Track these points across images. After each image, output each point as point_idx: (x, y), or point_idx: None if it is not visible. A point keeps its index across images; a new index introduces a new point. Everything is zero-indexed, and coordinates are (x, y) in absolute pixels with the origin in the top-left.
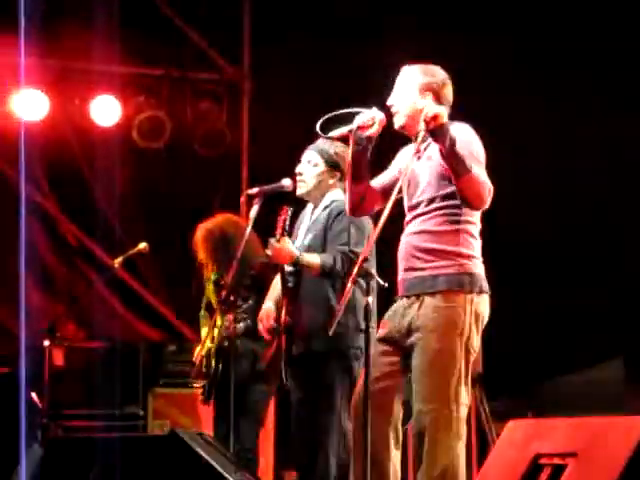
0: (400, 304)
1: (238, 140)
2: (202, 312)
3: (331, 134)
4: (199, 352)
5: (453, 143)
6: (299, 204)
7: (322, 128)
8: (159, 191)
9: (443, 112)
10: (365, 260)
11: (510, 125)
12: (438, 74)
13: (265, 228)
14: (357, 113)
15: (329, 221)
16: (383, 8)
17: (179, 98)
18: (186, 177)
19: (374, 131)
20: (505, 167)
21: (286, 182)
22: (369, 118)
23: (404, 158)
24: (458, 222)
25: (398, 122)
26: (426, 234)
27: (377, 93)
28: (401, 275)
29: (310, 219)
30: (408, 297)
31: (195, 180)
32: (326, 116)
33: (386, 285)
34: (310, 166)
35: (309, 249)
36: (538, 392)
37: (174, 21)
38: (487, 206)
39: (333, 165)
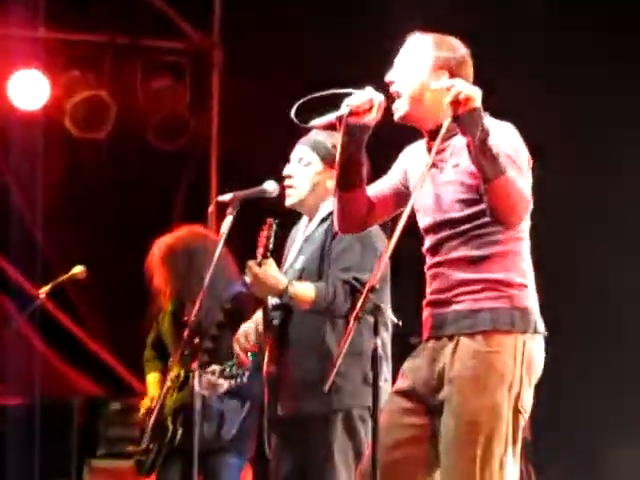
0: (427, 348)
1: (206, 129)
2: (148, 352)
3: (313, 123)
4: (146, 407)
5: (486, 136)
6: (289, 215)
7: (302, 115)
8: (100, 197)
9: (478, 93)
10: (373, 290)
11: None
12: (457, 48)
13: (242, 247)
14: (348, 94)
15: (328, 239)
16: None
17: (127, 73)
18: (136, 178)
19: (372, 118)
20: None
21: (269, 186)
22: (365, 101)
23: (412, 159)
24: (504, 242)
25: (401, 108)
26: (463, 263)
27: (376, 69)
28: (427, 311)
29: (303, 236)
30: (438, 338)
31: (148, 182)
32: (305, 98)
33: (401, 323)
34: (301, 166)
35: (302, 275)
36: (599, 465)
37: None
38: (522, 223)
39: (332, 162)
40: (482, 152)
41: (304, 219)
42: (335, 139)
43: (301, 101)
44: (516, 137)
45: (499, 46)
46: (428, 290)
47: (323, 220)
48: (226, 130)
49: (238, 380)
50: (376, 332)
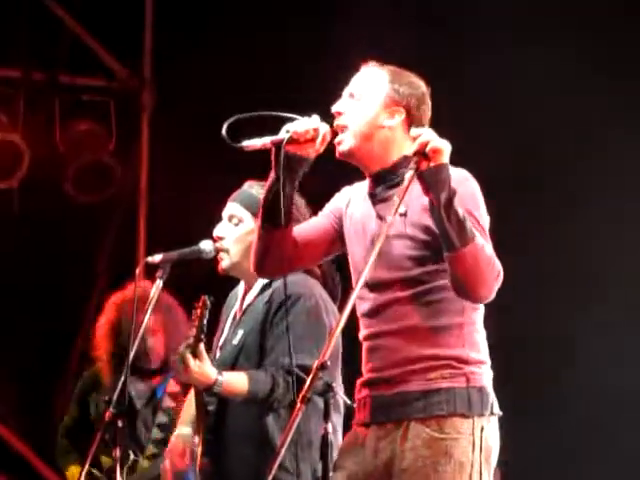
0: (368, 435)
1: (133, 179)
2: (61, 443)
3: (245, 143)
4: None
5: (452, 196)
6: (226, 281)
7: (233, 135)
8: (10, 254)
9: (448, 147)
10: (323, 368)
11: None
12: (417, 84)
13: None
14: (290, 119)
15: (270, 312)
16: None
17: (44, 115)
18: (53, 234)
19: (313, 150)
20: None
21: (206, 245)
22: (308, 129)
23: (350, 202)
24: (462, 311)
25: (346, 142)
26: (415, 334)
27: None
28: (365, 392)
29: (241, 305)
30: (380, 424)
31: (67, 238)
32: (240, 115)
33: (355, 405)
34: (232, 225)
35: (240, 353)
36: None
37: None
38: (493, 298)
39: None
40: (447, 216)
41: (242, 284)
42: None
43: (235, 117)
44: (477, 189)
45: None
46: (367, 366)
47: (264, 288)
48: (156, 181)
49: (152, 463)
50: (327, 415)
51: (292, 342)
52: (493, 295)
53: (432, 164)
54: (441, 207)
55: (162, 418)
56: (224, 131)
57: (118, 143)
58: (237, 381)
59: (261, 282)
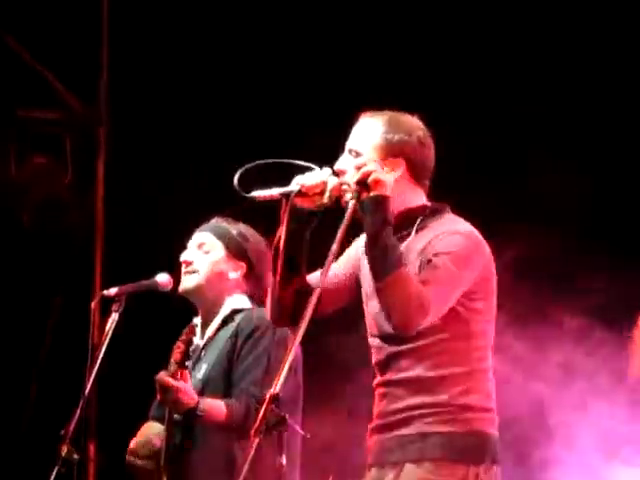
0: (369, 477)
1: (89, 212)
2: None
3: (254, 193)
4: None
5: (383, 229)
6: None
7: (241, 184)
8: None
9: (390, 181)
10: (275, 398)
11: None
12: (411, 130)
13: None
14: (304, 169)
15: (238, 344)
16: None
17: None
18: (8, 268)
19: (322, 203)
20: None
21: (162, 278)
22: (317, 183)
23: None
24: (466, 361)
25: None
26: (415, 384)
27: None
28: (372, 436)
29: (201, 338)
30: (380, 467)
31: (21, 273)
32: (252, 164)
33: (308, 436)
34: (201, 252)
35: (205, 387)
36: None
37: None
38: (412, 331)
39: (238, 252)
40: (373, 245)
41: (198, 318)
42: (241, 227)
43: (248, 166)
44: (465, 245)
45: None
46: (375, 411)
47: (225, 320)
48: (112, 215)
49: None
50: (280, 448)
51: (261, 374)
52: (412, 329)
53: (371, 194)
54: (371, 234)
55: None
56: (236, 181)
57: (74, 177)
58: (217, 408)
59: (222, 313)
